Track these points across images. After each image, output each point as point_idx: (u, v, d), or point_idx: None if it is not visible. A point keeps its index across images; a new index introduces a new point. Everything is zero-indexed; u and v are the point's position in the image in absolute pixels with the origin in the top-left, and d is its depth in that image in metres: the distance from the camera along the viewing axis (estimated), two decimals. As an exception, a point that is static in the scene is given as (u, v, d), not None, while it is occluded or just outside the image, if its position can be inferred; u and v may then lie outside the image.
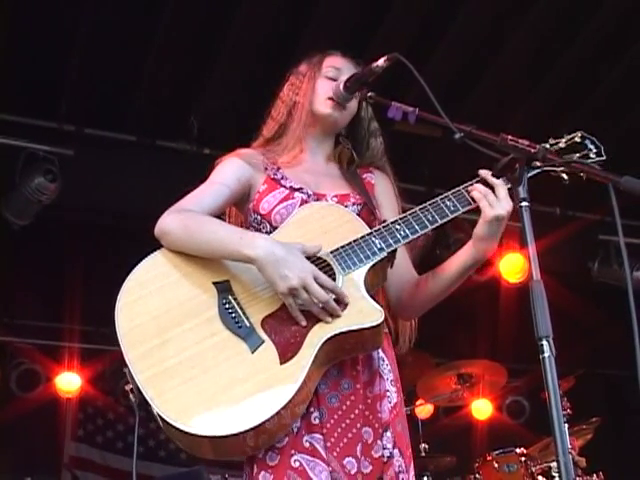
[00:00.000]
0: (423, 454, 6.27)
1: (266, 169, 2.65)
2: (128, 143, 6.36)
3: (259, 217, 2.56)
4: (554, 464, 5.36)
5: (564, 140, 2.37)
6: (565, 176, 2.33)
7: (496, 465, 5.59)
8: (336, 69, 2.76)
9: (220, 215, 2.62)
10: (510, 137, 2.05)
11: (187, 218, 2.43)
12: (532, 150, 2.02)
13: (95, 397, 8.30)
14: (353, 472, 2.31)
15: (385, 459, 2.38)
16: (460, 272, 2.52)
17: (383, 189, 2.79)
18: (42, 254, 7.21)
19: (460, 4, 5.70)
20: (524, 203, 1.99)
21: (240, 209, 2.70)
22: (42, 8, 5.38)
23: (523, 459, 5.53)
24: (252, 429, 2.16)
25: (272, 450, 2.29)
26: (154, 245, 2.45)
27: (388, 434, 2.41)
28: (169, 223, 2.42)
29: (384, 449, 2.39)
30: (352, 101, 2.71)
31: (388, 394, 2.48)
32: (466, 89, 6.34)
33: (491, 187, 2.38)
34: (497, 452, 5.68)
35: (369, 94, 2.54)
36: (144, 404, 2.27)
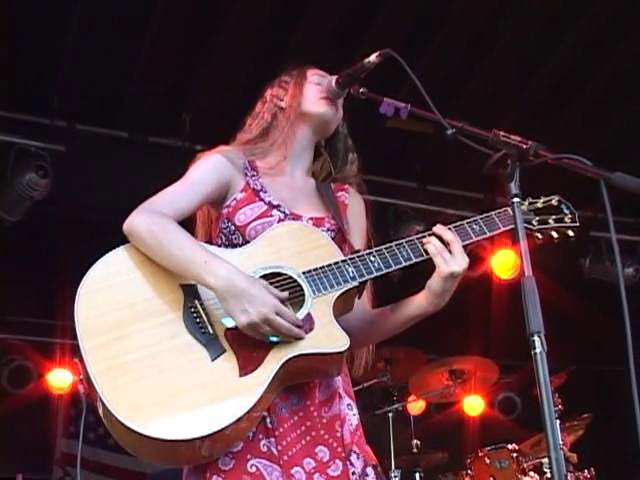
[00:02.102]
0: (415, 450, 6.29)
1: (246, 175, 2.61)
2: (120, 139, 6.35)
3: (233, 227, 2.52)
4: (545, 460, 5.38)
5: (541, 201, 2.56)
6: (540, 235, 2.55)
7: (488, 461, 5.61)
8: (321, 76, 2.75)
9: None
10: (502, 133, 2.05)
11: (155, 225, 2.36)
12: (524, 146, 2.02)
13: (87, 394, 8.26)
14: None
15: (358, 477, 2.35)
16: (406, 321, 2.53)
17: (355, 211, 2.77)
18: (33, 250, 7.20)
19: (453, 1, 5.71)
20: (516, 199, 1.99)
21: (213, 207, 2.64)
22: (34, 4, 5.37)
23: (515, 455, 5.56)
24: (203, 437, 2.11)
25: (226, 455, 2.26)
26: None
27: (354, 457, 2.37)
28: (138, 225, 2.36)
29: (354, 467, 2.35)
30: (340, 107, 2.72)
31: (348, 418, 2.44)
32: (458, 87, 6.34)
33: (446, 243, 2.41)
34: (489, 448, 5.70)
35: (361, 90, 2.53)
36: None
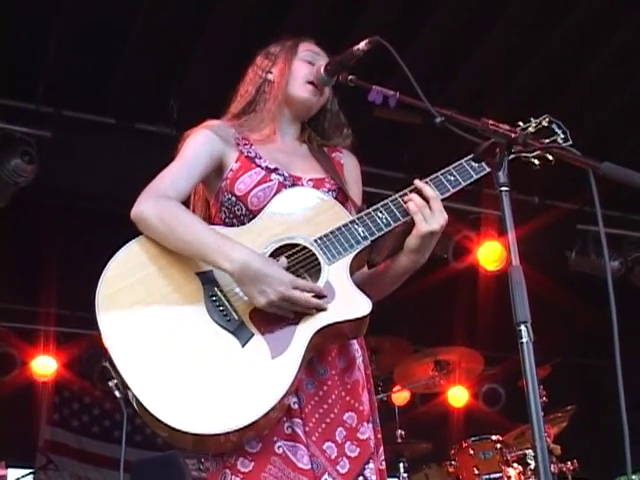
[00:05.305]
0: (399, 440, 6.28)
1: (238, 144, 2.61)
2: (107, 126, 6.32)
3: (234, 198, 2.51)
4: (529, 451, 5.41)
5: (533, 124, 2.45)
6: (536, 161, 2.36)
7: (472, 452, 5.63)
8: (314, 53, 2.74)
9: None
10: (491, 121, 2.04)
11: (164, 210, 2.35)
12: (513, 135, 2.01)
13: (71, 381, 8.27)
14: (333, 457, 2.32)
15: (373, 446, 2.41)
16: (397, 276, 2.54)
17: (351, 170, 2.77)
18: (19, 236, 7.16)
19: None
20: (504, 188, 1.98)
21: (208, 186, 2.63)
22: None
23: (499, 446, 5.57)
24: (244, 427, 2.13)
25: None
26: (132, 228, 2.40)
27: (370, 425, 2.45)
28: (146, 211, 2.35)
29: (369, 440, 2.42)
30: (326, 90, 2.71)
31: (368, 385, 2.51)
32: (446, 77, 6.34)
33: (426, 199, 2.39)
34: (473, 439, 5.71)
35: (350, 77, 2.51)
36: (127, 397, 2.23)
